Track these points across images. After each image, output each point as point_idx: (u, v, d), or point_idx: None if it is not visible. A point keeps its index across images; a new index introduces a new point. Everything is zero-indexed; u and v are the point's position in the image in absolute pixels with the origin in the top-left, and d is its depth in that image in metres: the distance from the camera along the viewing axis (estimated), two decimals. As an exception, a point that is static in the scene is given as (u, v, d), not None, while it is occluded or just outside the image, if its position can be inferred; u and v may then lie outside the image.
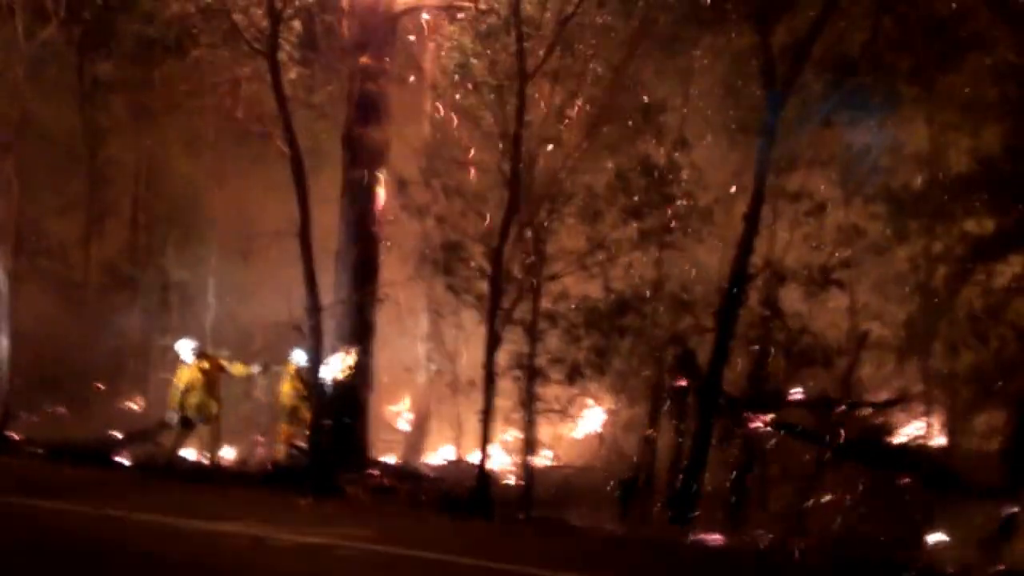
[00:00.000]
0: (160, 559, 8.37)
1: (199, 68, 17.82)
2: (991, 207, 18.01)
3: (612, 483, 16.13)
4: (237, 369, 16.44)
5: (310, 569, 8.63)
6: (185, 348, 15.87)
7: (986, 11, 15.76)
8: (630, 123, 16.41)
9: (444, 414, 21.51)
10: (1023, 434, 14.64)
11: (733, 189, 17.29)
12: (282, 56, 15.59)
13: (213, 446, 15.89)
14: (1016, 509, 13.43)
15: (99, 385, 21.99)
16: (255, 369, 16.94)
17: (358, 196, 16.76)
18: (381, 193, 17.07)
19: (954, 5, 15.79)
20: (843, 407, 15.67)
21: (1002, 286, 18.06)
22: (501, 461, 18.17)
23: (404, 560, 9.41)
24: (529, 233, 15.34)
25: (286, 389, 16.88)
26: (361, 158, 16.71)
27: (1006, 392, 17.03)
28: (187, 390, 15.58)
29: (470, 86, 16.59)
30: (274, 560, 8.90)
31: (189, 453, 17.58)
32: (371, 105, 16.70)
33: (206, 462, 16.46)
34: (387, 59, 16.79)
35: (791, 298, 16.55)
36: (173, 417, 15.65)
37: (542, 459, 18.42)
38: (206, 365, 15.69)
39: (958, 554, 13.44)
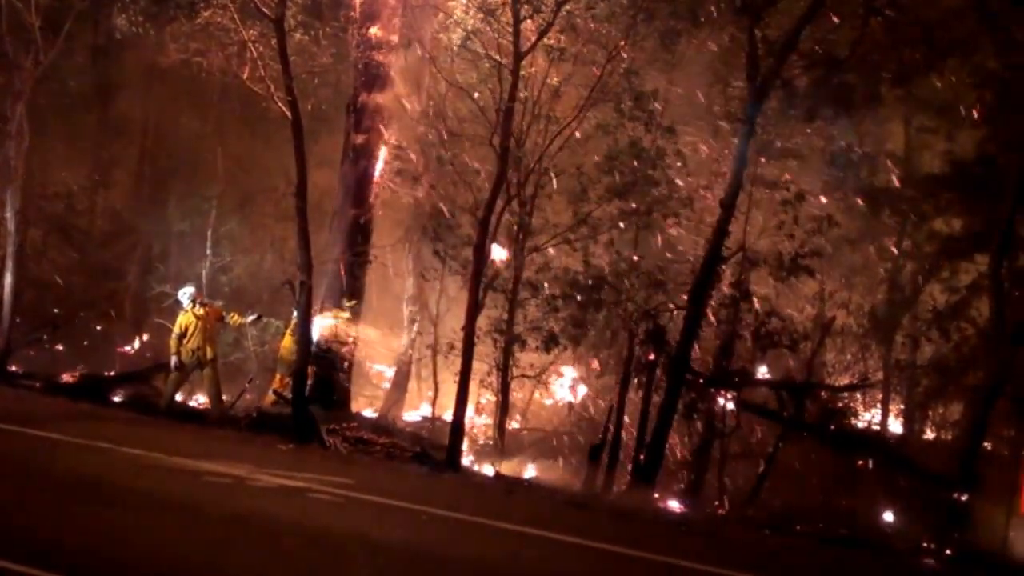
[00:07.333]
0: (143, 490, 8.64)
1: (208, 29, 18.02)
2: (960, 208, 18.57)
3: (580, 448, 16.64)
4: (234, 318, 16.68)
5: (285, 508, 8.90)
6: (185, 295, 16.08)
7: (971, 17, 15.89)
8: (621, 107, 16.86)
9: (423, 374, 21.89)
10: (978, 426, 14.84)
11: (712, 175, 17.71)
12: (288, 22, 15.84)
13: (212, 390, 16.01)
14: (966, 497, 13.94)
15: (98, 326, 22.47)
16: (250, 318, 17.19)
17: (358, 160, 17.04)
18: (380, 159, 17.42)
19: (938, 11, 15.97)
20: (805, 389, 16.06)
21: (966, 283, 18.64)
22: (475, 421, 18.62)
23: (374, 505, 9.77)
24: (516, 205, 15.85)
25: (286, 343, 17.19)
26: (363, 124, 17.00)
27: (963, 385, 17.65)
28: (183, 335, 15.76)
29: (475, 52, 16.97)
30: (251, 498, 9.18)
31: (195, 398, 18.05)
32: (375, 74, 16.97)
33: (205, 405, 16.79)
34: (392, 31, 17.08)
35: (761, 282, 17.04)
36: (172, 360, 15.96)
37: (514, 422, 18.91)
38: (201, 312, 15.88)
39: (909, 536, 14.08)
